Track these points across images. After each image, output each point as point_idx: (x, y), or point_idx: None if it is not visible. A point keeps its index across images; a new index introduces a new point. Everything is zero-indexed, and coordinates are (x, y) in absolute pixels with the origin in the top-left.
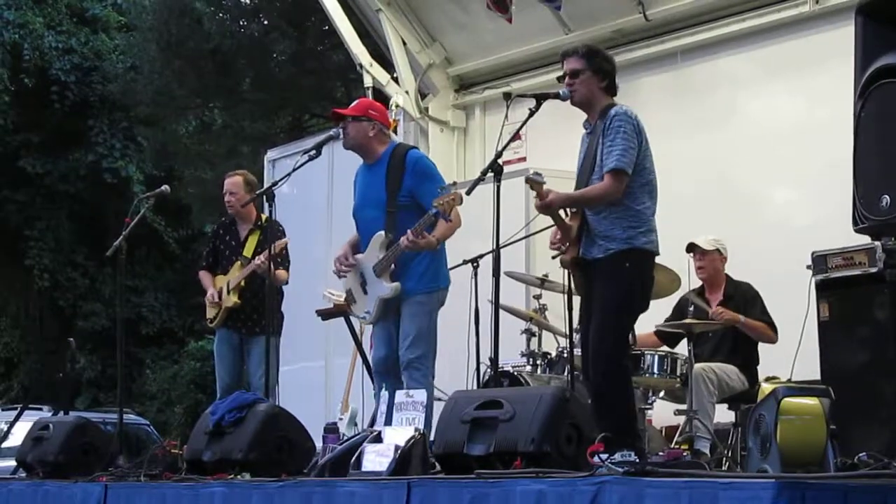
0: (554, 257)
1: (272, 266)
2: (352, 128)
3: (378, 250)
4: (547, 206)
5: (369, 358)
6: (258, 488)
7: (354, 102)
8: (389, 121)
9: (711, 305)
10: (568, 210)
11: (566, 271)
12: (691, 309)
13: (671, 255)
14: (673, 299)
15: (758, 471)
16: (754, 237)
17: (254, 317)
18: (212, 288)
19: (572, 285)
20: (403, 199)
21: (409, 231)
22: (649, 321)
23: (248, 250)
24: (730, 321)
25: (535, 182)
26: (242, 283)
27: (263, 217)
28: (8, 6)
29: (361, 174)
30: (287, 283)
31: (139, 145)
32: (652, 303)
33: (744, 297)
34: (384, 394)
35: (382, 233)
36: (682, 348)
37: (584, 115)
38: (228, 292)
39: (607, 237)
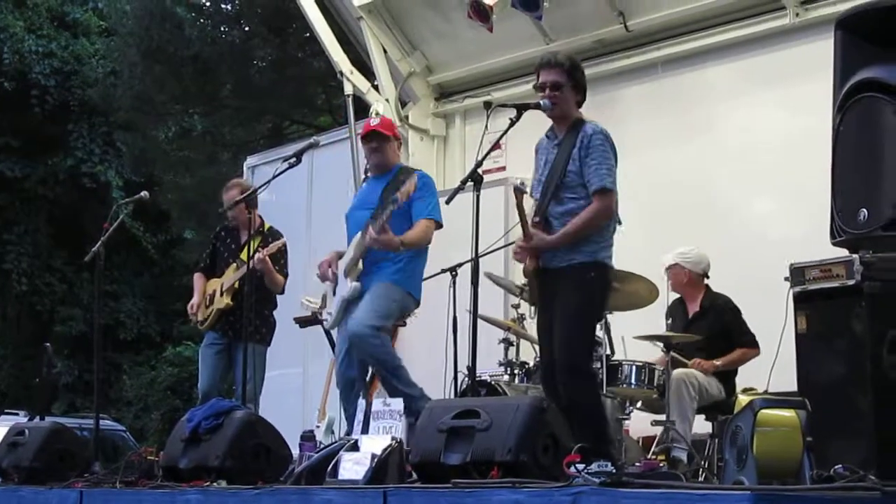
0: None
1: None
2: (387, 148)
3: (352, 251)
4: (537, 250)
5: None
6: (234, 495)
7: (379, 120)
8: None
9: (689, 315)
10: (531, 219)
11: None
12: (669, 322)
13: (650, 265)
14: (650, 310)
15: (734, 482)
16: (733, 248)
17: (244, 321)
18: (197, 296)
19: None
20: (402, 207)
21: (370, 226)
22: (630, 330)
23: (245, 254)
24: (707, 371)
25: (519, 191)
26: (236, 286)
27: (266, 225)
28: None
29: (366, 184)
30: (283, 291)
31: (118, 150)
32: (630, 313)
33: (720, 312)
34: (361, 402)
35: (359, 233)
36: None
37: None
38: (222, 294)
39: (572, 248)
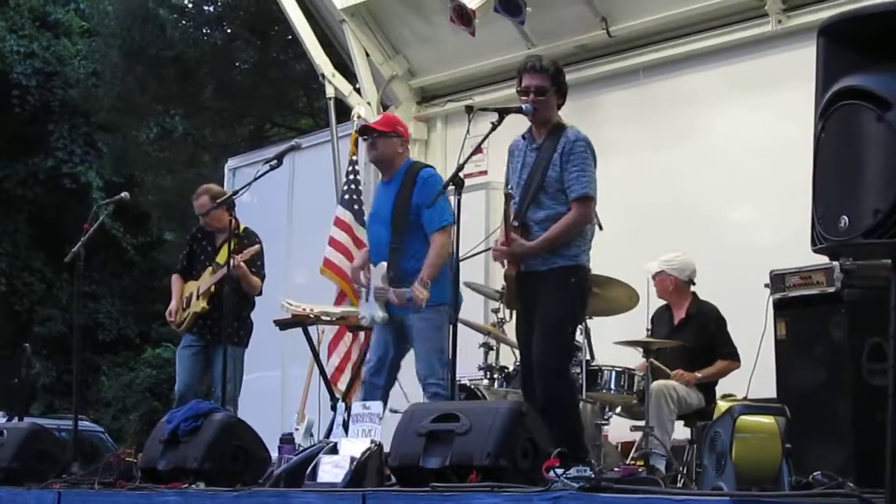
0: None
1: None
2: (381, 143)
3: (380, 280)
4: (517, 257)
5: (326, 369)
6: (213, 498)
7: (379, 116)
8: (408, 135)
9: (674, 322)
10: (513, 223)
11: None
12: (650, 328)
13: (631, 271)
14: (630, 315)
15: (713, 488)
16: (714, 255)
17: (221, 323)
18: (175, 301)
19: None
20: (412, 216)
21: (411, 289)
22: (612, 335)
23: (221, 257)
24: (689, 382)
25: (510, 197)
26: (212, 289)
27: (241, 227)
28: None
29: (379, 189)
30: (261, 293)
31: (99, 151)
32: (611, 318)
33: (705, 321)
34: (341, 405)
35: (385, 264)
36: None
37: None
38: (198, 297)
39: (554, 252)
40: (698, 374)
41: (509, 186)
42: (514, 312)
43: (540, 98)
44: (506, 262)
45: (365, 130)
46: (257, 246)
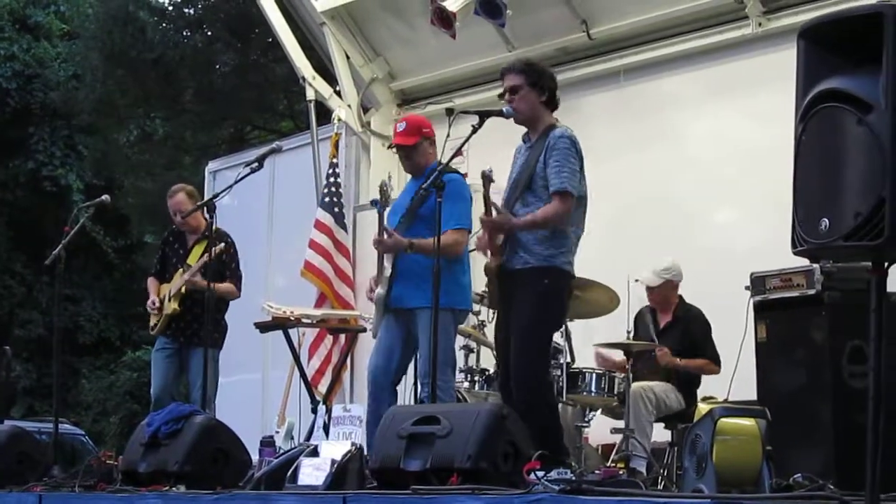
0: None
1: (210, 274)
2: (415, 154)
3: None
4: (498, 227)
5: (306, 371)
6: (193, 500)
7: (403, 125)
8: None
9: (661, 325)
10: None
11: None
12: (631, 331)
13: (611, 273)
14: (612, 317)
15: (693, 490)
16: (694, 257)
17: (194, 326)
18: (154, 295)
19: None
20: (424, 210)
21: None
22: (593, 338)
23: (192, 259)
24: (668, 364)
25: (487, 178)
26: (183, 290)
27: (213, 227)
28: None
29: (408, 184)
30: (238, 296)
31: (80, 154)
32: (593, 320)
33: (690, 325)
34: (321, 407)
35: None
36: None
37: (521, 131)
38: (170, 299)
39: (529, 251)
40: (680, 361)
41: (489, 169)
42: (497, 313)
43: (513, 97)
44: (488, 252)
45: (397, 148)
46: (221, 245)
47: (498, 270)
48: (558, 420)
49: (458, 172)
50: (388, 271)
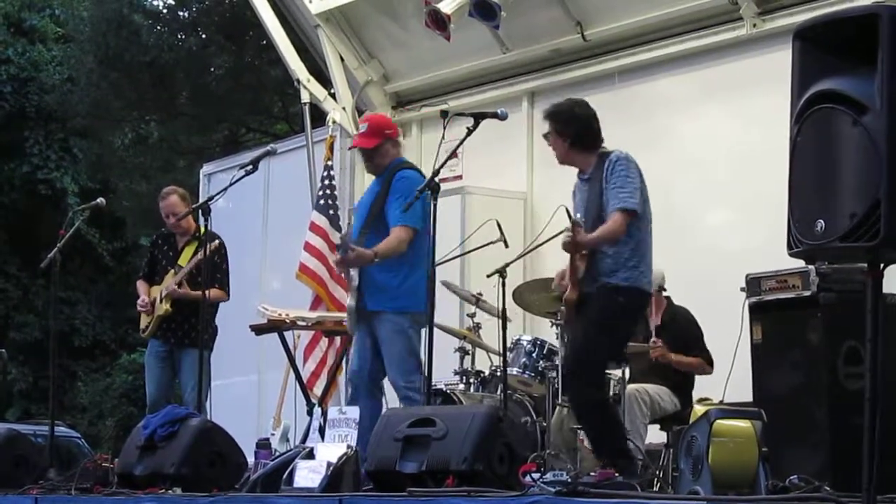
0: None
1: (205, 273)
2: (376, 156)
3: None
4: (578, 245)
5: (302, 373)
6: (190, 503)
7: (364, 126)
8: (397, 129)
9: (650, 326)
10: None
11: (500, 290)
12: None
13: None
14: None
15: (689, 492)
16: (690, 259)
17: (185, 327)
18: (144, 295)
19: (504, 311)
20: (381, 212)
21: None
22: None
23: (183, 260)
24: (661, 359)
25: (576, 223)
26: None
27: (202, 229)
28: None
29: (372, 182)
30: (227, 299)
31: (75, 157)
32: None
33: (679, 326)
34: (317, 410)
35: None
36: None
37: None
38: (161, 301)
39: (609, 273)
40: (673, 357)
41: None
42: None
43: (549, 143)
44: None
45: (359, 150)
46: (216, 241)
47: (577, 300)
48: (614, 420)
49: (415, 169)
50: (354, 282)
